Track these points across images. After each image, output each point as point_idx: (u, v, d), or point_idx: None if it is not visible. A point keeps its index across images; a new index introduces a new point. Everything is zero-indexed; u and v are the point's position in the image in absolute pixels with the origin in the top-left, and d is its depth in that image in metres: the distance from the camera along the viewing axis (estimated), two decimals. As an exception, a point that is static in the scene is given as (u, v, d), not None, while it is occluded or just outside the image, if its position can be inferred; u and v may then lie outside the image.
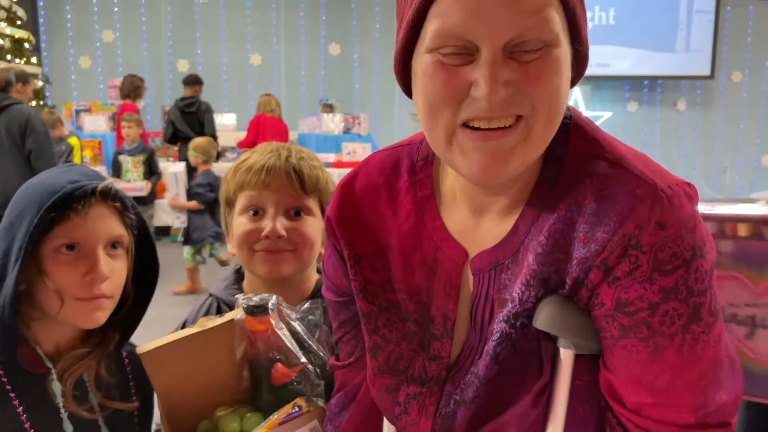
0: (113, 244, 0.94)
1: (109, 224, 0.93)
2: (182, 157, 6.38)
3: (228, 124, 7.55)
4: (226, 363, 0.95)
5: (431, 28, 0.65)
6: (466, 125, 0.66)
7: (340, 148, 6.94)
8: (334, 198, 0.86)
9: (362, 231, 0.83)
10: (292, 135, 7.46)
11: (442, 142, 0.68)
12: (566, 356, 0.70)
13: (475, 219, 0.77)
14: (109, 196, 0.93)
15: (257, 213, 1.09)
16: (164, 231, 6.97)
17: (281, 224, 1.07)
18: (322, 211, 1.12)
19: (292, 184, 1.09)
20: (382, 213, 0.82)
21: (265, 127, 6.38)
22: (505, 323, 0.72)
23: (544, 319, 0.69)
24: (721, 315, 0.68)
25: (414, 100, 0.73)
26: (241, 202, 1.11)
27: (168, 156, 7.30)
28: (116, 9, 7.87)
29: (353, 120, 7.48)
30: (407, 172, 0.82)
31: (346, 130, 7.43)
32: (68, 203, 0.89)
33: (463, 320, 0.78)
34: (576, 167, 0.70)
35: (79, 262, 0.90)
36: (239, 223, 1.10)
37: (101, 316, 0.93)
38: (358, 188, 0.85)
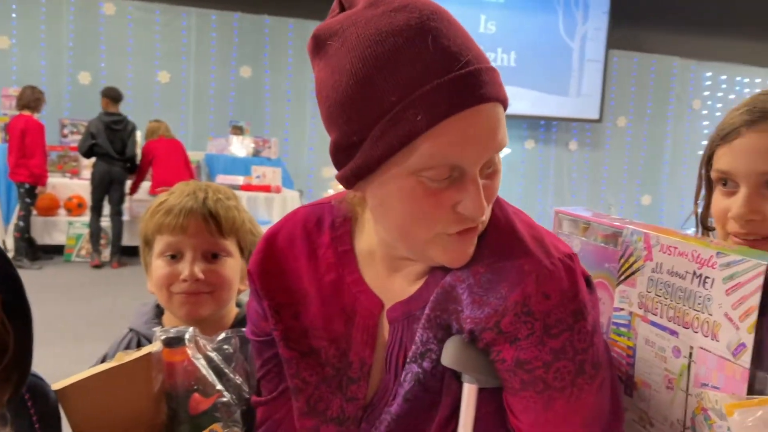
0: None
1: None
2: (97, 173, 6.15)
3: (132, 141, 7.34)
4: (144, 396, 0.96)
5: (422, 153, 0.68)
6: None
7: (249, 171, 6.89)
8: (256, 250, 0.92)
9: (284, 281, 0.89)
10: (199, 155, 7.34)
11: (421, 243, 0.75)
12: (470, 390, 0.78)
13: (389, 276, 0.85)
14: None
15: (175, 257, 1.11)
16: (57, 250, 6.65)
17: (199, 268, 1.09)
18: (241, 250, 1.16)
19: (209, 228, 1.11)
20: (303, 265, 0.88)
21: (158, 152, 6.30)
22: (414, 363, 0.80)
23: (449, 356, 0.77)
24: (605, 366, 0.79)
25: (377, 209, 0.77)
26: (159, 245, 1.12)
27: (64, 171, 6.99)
28: (14, 15, 7.47)
29: (263, 143, 7.46)
30: (329, 228, 0.89)
31: (256, 153, 7.39)
32: None
33: (379, 365, 0.85)
34: (480, 238, 0.79)
35: None
36: (157, 265, 1.12)
37: None
38: (282, 241, 0.90)
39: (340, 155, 0.74)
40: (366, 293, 0.85)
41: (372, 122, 0.69)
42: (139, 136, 6.61)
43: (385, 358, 0.85)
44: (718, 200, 1.04)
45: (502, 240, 0.78)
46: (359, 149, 0.71)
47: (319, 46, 0.75)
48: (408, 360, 0.82)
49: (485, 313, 0.75)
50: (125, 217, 6.56)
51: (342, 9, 0.75)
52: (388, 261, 0.85)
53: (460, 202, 0.71)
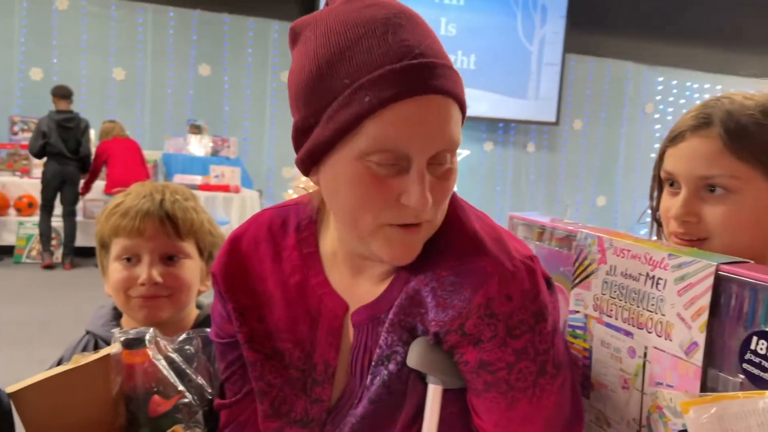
0: None
1: None
2: (49, 172, 5.98)
3: (85, 139, 7.16)
4: (102, 399, 0.95)
5: (369, 135, 0.69)
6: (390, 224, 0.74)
7: (207, 171, 6.79)
8: (221, 253, 0.91)
9: (248, 283, 0.88)
10: (156, 155, 7.21)
11: (366, 233, 0.75)
12: (435, 391, 0.79)
13: (354, 278, 0.85)
14: None
15: (131, 259, 1.09)
16: (7, 251, 6.46)
17: (157, 271, 1.08)
18: (200, 251, 1.15)
19: (167, 231, 1.09)
20: (268, 267, 0.88)
21: (113, 151, 6.16)
22: (380, 366, 0.81)
23: (414, 358, 0.78)
24: (565, 366, 0.80)
25: (329, 192, 0.77)
26: (115, 248, 1.10)
27: (14, 170, 6.79)
28: (-38, 8, 7.22)
29: (222, 143, 7.36)
30: (294, 230, 0.89)
31: (215, 153, 7.29)
32: None
33: (344, 367, 0.86)
34: (442, 241, 0.80)
35: None
36: (114, 269, 1.10)
37: None
38: (246, 243, 0.90)
39: (299, 138, 0.76)
40: (331, 295, 0.86)
41: (326, 104, 0.71)
42: (93, 134, 6.45)
43: (350, 361, 0.85)
44: (665, 200, 1.07)
45: (465, 243, 0.79)
46: (314, 131, 0.73)
47: (295, 37, 0.79)
48: (374, 363, 0.82)
49: (449, 316, 0.76)
50: (79, 218, 6.39)
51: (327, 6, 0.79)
52: (350, 261, 0.85)
53: (404, 192, 0.71)
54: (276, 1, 8.06)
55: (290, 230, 0.89)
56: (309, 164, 0.77)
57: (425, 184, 0.71)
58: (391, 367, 0.81)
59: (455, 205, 0.83)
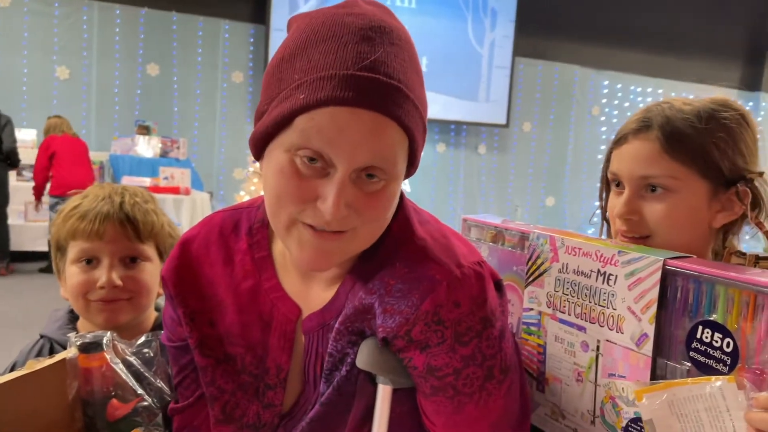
0: None
1: None
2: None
3: (27, 140, 6.89)
4: (58, 405, 0.93)
5: (299, 131, 0.70)
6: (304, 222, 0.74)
7: (156, 172, 6.64)
8: (171, 257, 0.90)
9: (199, 288, 0.87)
10: (102, 156, 7.02)
11: (283, 228, 0.75)
12: (384, 391, 0.80)
13: (305, 282, 0.85)
14: None
15: (90, 262, 1.07)
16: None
17: (117, 274, 1.06)
18: (160, 254, 1.13)
19: (127, 234, 1.07)
20: (219, 271, 0.87)
21: (60, 148, 5.90)
22: (335, 371, 0.82)
23: (364, 359, 0.79)
24: (513, 369, 0.82)
25: (263, 179, 0.78)
26: (73, 251, 1.08)
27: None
28: None
29: (171, 144, 7.21)
30: (246, 234, 0.88)
31: (164, 154, 7.14)
32: None
33: (297, 372, 0.86)
34: (390, 250, 0.80)
35: None
36: (72, 272, 1.08)
37: None
38: (197, 247, 0.89)
39: (255, 122, 0.77)
40: (283, 299, 0.85)
41: (275, 95, 0.73)
42: (35, 134, 6.22)
43: (303, 368, 0.85)
44: (612, 199, 1.11)
45: (413, 252, 0.79)
46: (263, 118, 0.75)
47: (288, 26, 0.80)
48: (326, 371, 0.82)
49: (396, 322, 0.76)
50: (20, 221, 6.15)
51: None
52: (299, 267, 0.85)
53: (321, 197, 0.71)
54: (226, 0, 7.96)
55: (242, 233, 0.88)
56: (255, 151, 0.78)
57: (342, 195, 0.70)
58: (344, 370, 0.81)
59: (404, 213, 0.83)
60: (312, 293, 0.85)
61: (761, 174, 1.04)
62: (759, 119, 1.07)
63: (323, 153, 0.70)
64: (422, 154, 0.80)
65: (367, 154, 0.70)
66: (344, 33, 0.71)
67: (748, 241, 1.11)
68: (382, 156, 0.71)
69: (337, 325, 0.81)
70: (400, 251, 0.79)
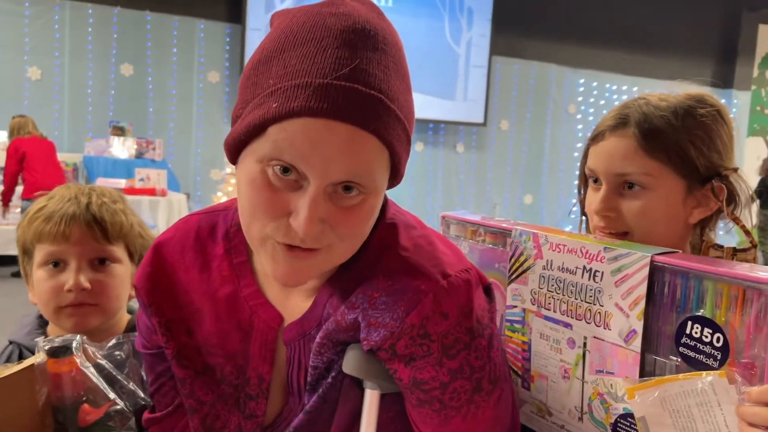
0: None
1: None
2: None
3: (-2, 141, 6.79)
4: (27, 412, 0.90)
5: (271, 141, 0.66)
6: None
7: (132, 174, 6.56)
8: (144, 263, 0.85)
9: (174, 296, 0.83)
10: (76, 157, 6.91)
11: (255, 240, 0.71)
12: (372, 396, 0.78)
13: (284, 291, 0.82)
14: None
15: (57, 265, 1.04)
16: None
17: (85, 277, 1.03)
18: (130, 255, 1.10)
19: (95, 235, 1.04)
20: (196, 278, 0.83)
21: (30, 150, 5.77)
22: (322, 380, 0.79)
23: (351, 365, 0.77)
24: (503, 378, 0.80)
25: (237, 186, 0.74)
26: (39, 254, 1.05)
27: None
28: None
29: (147, 145, 7.13)
30: (222, 238, 0.84)
31: (139, 155, 7.06)
32: None
33: (280, 383, 0.82)
34: (373, 259, 0.77)
35: None
36: (40, 277, 1.04)
37: None
38: (172, 252, 0.85)
39: (232, 125, 0.73)
40: (264, 306, 0.82)
41: (250, 100, 0.68)
42: (6, 136, 6.09)
43: (286, 378, 0.82)
44: (589, 195, 1.11)
45: (397, 263, 0.76)
46: (237, 123, 0.71)
47: (270, 23, 0.75)
48: (311, 382, 0.80)
49: (381, 336, 0.73)
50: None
51: None
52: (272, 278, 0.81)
53: (293, 212, 0.67)
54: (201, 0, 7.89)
55: (219, 238, 0.84)
56: (229, 155, 0.73)
57: (315, 210, 0.66)
58: (329, 378, 0.79)
59: (387, 222, 0.79)
60: (291, 302, 0.81)
61: (736, 170, 1.05)
62: (732, 116, 1.09)
63: (296, 166, 0.65)
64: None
65: (342, 170, 0.65)
66: (324, 36, 0.66)
67: (722, 236, 1.12)
68: (358, 172, 0.66)
69: (318, 340, 0.78)
70: (382, 261, 0.76)
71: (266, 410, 0.82)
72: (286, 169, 0.66)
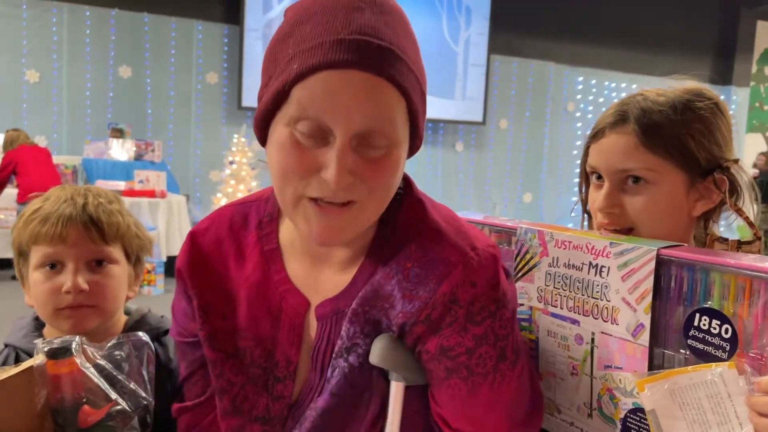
0: None
1: None
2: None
3: (-4, 144, 6.77)
4: (26, 415, 0.89)
5: (295, 102, 0.70)
6: (310, 197, 0.73)
7: (131, 176, 6.54)
8: (183, 249, 0.89)
9: (211, 281, 0.87)
10: (75, 160, 6.90)
11: (290, 205, 0.75)
12: (398, 388, 0.80)
13: (316, 268, 0.85)
14: None
15: (54, 267, 1.02)
16: None
17: (82, 278, 1.01)
18: (127, 256, 1.09)
19: (91, 236, 1.02)
20: (230, 265, 0.87)
21: (22, 158, 5.81)
22: (340, 358, 0.80)
23: (377, 355, 0.79)
24: (523, 354, 0.82)
25: (267, 159, 0.78)
26: (36, 256, 1.03)
27: None
28: None
29: (146, 146, 7.12)
30: (255, 227, 0.88)
31: (138, 157, 7.04)
32: None
33: (305, 363, 0.85)
34: (404, 233, 0.80)
35: None
36: (36, 279, 1.03)
37: None
38: (208, 240, 0.89)
39: (258, 105, 0.77)
40: (292, 292, 0.85)
41: (272, 74, 0.74)
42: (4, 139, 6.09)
43: (311, 355, 0.84)
44: (592, 192, 1.11)
45: (428, 234, 0.79)
46: (262, 100, 0.75)
47: (284, 16, 0.79)
48: (334, 355, 0.82)
49: (416, 307, 0.77)
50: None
51: None
52: (308, 248, 0.84)
53: (323, 166, 0.71)
54: (199, 1, 7.88)
55: (251, 227, 0.88)
56: (259, 135, 0.78)
57: (344, 161, 0.69)
58: (352, 359, 0.81)
59: (414, 195, 0.83)
60: (323, 278, 0.84)
61: (737, 161, 1.05)
62: (731, 113, 1.10)
63: (320, 121, 0.70)
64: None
65: (363, 117, 0.69)
66: (336, 7, 0.71)
67: (722, 232, 1.12)
68: (379, 118, 0.70)
69: (354, 306, 0.80)
70: (414, 234, 0.80)
71: (293, 391, 0.85)
72: (312, 130, 0.70)
